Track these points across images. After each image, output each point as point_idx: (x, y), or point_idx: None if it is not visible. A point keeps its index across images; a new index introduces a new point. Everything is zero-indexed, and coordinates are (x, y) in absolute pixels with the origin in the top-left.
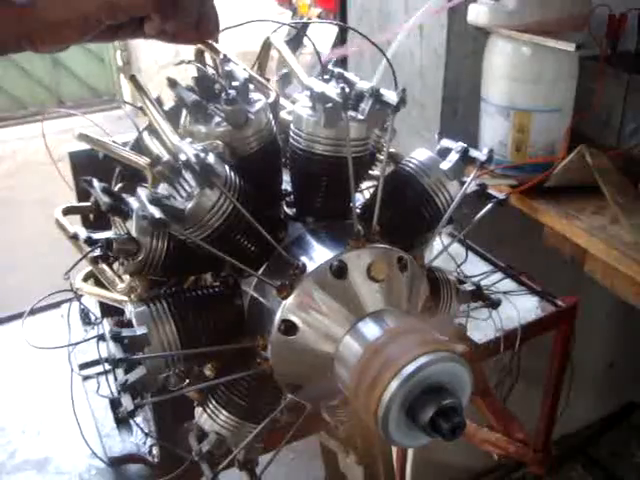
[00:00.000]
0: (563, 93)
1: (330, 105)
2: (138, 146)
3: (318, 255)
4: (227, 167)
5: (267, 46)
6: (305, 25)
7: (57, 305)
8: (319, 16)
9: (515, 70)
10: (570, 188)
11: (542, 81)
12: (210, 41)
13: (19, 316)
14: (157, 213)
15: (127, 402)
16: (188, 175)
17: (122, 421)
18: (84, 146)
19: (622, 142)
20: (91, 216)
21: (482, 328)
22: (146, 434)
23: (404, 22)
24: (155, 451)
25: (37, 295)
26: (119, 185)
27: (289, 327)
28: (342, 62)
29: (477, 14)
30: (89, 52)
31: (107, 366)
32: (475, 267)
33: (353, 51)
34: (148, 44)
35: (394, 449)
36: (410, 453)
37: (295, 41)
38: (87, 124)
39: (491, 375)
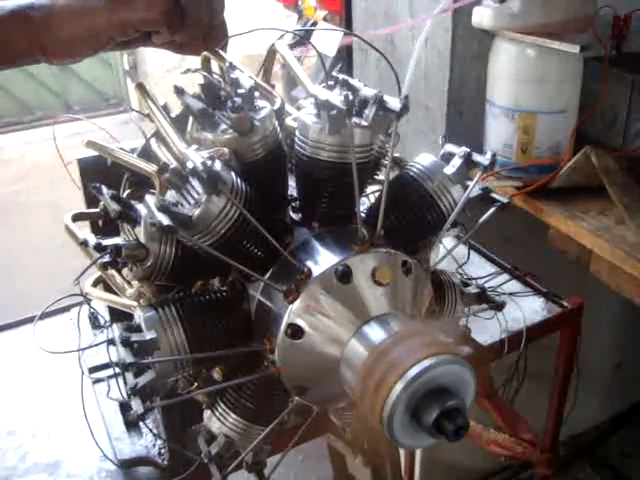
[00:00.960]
0: (568, 94)
1: (334, 112)
2: (146, 153)
3: (323, 260)
4: (233, 174)
5: (272, 53)
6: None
7: (66, 309)
8: (325, 18)
9: (520, 72)
10: (575, 189)
11: (547, 83)
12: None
13: (29, 320)
14: (165, 220)
15: (137, 405)
16: (195, 182)
17: (132, 424)
18: (92, 152)
19: (627, 143)
20: (100, 222)
21: (488, 330)
22: (156, 437)
23: (409, 25)
24: (165, 453)
25: (45, 299)
26: (127, 191)
27: (296, 331)
28: (348, 66)
29: (482, 17)
30: (96, 56)
31: (117, 370)
32: (481, 269)
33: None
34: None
35: (402, 450)
36: (418, 454)
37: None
38: (95, 129)
39: (497, 376)
